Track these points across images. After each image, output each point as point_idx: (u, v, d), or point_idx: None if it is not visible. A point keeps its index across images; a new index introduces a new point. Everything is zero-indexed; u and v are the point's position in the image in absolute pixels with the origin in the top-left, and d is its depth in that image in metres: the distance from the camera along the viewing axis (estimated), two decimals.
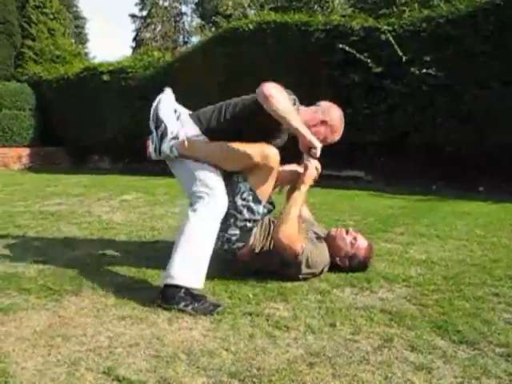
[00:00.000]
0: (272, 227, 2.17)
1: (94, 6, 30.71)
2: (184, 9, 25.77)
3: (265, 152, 2.03)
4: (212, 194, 1.96)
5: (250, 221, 2.11)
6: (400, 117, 5.99)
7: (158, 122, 2.02)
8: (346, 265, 2.24)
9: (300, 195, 2.13)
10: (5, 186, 6.21)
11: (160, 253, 2.61)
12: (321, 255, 2.15)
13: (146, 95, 8.33)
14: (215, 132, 2.09)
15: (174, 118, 2.07)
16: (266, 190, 2.13)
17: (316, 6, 10.23)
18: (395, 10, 6.91)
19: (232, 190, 2.07)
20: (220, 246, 2.07)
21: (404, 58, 5.80)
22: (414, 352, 1.45)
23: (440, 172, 5.78)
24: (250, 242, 2.11)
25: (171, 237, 3.02)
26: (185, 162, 2.05)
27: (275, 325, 1.64)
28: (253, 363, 1.37)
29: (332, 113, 2.23)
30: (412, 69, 5.74)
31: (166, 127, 2.00)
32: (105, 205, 4.43)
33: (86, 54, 17.09)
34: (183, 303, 1.77)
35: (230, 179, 2.11)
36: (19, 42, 11.55)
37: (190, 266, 1.85)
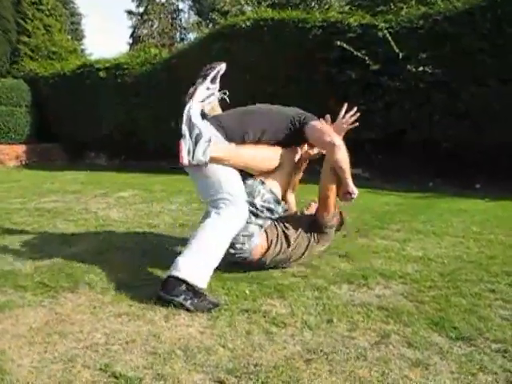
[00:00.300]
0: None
1: (90, 3, 30.48)
2: (181, 5, 25.62)
3: (285, 153, 2.24)
4: (235, 202, 2.01)
5: (268, 219, 2.18)
6: (397, 114, 5.98)
7: (191, 125, 2.02)
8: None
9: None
10: (1, 183, 6.18)
11: (157, 250, 2.61)
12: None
13: (143, 92, 8.35)
14: (239, 139, 2.15)
15: (205, 124, 2.08)
16: (283, 190, 2.28)
17: (313, 3, 10.21)
18: (392, 7, 6.89)
19: (250, 193, 2.14)
20: (236, 246, 2.07)
21: (401, 55, 5.80)
22: (410, 348, 1.45)
23: (437, 169, 5.78)
24: (265, 237, 2.16)
25: (168, 234, 3.02)
26: (209, 168, 2.05)
27: (272, 321, 1.64)
28: (250, 360, 1.37)
29: None
30: (409, 66, 5.73)
31: (200, 131, 2.00)
32: (101, 202, 4.41)
33: (83, 50, 16.97)
34: (183, 297, 1.77)
35: (247, 182, 2.17)
36: (15, 38, 11.46)
37: (199, 264, 1.87)
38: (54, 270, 2.19)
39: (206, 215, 2.08)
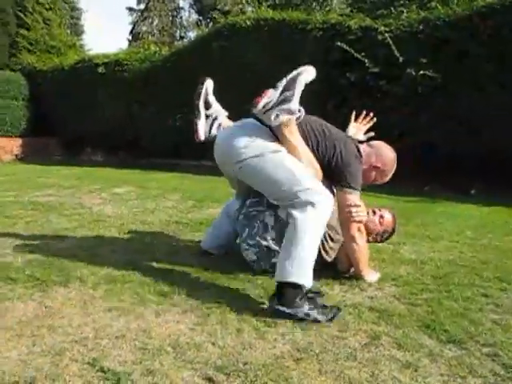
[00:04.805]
0: None
1: None
2: (182, 3, 25.61)
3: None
4: (319, 191, 1.80)
5: None
6: (395, 117, 5.98)
7: (291, 86, 1.83)
8: (378, 240, 2.42)
9: None
10: None
11: (150, 247, 2.60)
12: None
13: (141, 89, 8.33)
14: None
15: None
16: None
17: (314, 4, 10.22)
18: (393, 10, 6.91)
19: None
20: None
21: (401, 59, 5.81)
22: (400, 350, 1.45)
23: (433, 173, 5.79)
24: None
25: (162, 231, 3.01)
26: (278, 156, 1.83)
27: (263, 320, 1.63)
28: (239, 358, 1.36)
29: (385, 157, 2.27)
30: (408, 70, 5.74)
31: (293, 95, 1.80)
32: (96, 197, 4.39)
33: (82, 45, 16.88)
34: (307, 307, 1.63)
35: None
36: (14, 31, 11.40)
37: (306, 264, 1.71)
38: (45, 264, 2.17)
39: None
